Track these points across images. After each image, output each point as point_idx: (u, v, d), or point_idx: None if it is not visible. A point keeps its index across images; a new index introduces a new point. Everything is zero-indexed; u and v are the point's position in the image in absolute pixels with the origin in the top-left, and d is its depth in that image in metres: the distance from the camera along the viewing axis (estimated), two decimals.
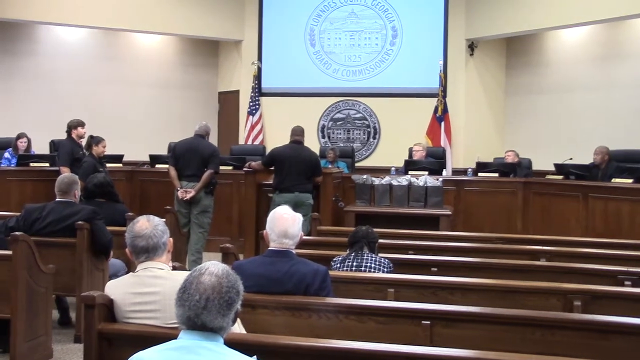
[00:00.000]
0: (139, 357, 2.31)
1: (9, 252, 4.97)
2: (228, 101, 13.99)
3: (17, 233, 5.03)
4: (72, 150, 8.73)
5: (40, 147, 10.88)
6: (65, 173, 6.93)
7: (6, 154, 10.28)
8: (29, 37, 12.58)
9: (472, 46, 12.71)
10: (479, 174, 9.90)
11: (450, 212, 8.20)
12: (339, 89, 13.14)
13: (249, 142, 12.81)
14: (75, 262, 5.63)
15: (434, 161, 10.36)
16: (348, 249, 4.80)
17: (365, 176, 8.71)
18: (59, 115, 10.33)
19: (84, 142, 8.86)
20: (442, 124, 12.22)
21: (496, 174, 9.78)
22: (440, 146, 11.89)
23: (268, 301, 3.60)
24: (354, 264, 4.64)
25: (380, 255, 4.78)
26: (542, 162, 10.78)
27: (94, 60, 13.09)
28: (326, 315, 3.56)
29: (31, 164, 9.69)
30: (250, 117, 13.02)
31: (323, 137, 13.16)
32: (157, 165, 10.30)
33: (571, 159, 9.66)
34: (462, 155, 12.44)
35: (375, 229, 4.91)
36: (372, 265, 4.62)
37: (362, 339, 3.07)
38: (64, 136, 9.02)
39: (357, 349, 2.91)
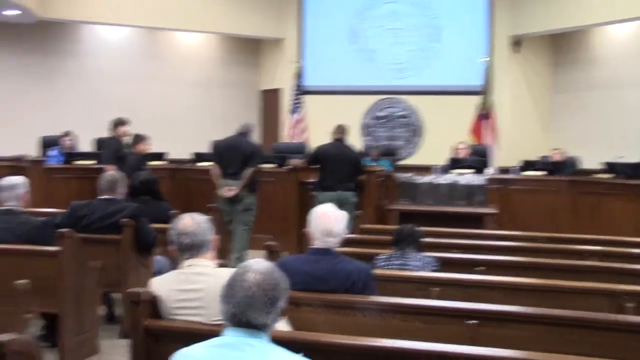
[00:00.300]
0: (184, 354, 2.34)
1: (57, 249, 5.06)
2: (270, 99, 14.05)
3: (63, 229, 5.11)
4: (117, 148, 8.83)
5: (85, 145, 11.03)
6: (110, 171, 7.01)
7: (52, 152, 10.41)
8: (73, 37, 12.79)
9: (516, 43, 12.57)
10: (525, 173, 9.79)
11: (494, 211, 8.13)
12: (381, 87, 13.10)
13: (291, 140, 12.84)
14: (120, 258, 5.71)
15: (478, 159, 10.28)
16: (392, 247, 4.79)
17: (408, 174, 8.69)
18: (102, 114, 10.45)
19: (128, 140, 8.97)
20: (487, 122, 12.09)
21: (542, 173, 9.66)
22: (484, 144, 11.78)
23: (312, 299, 3.59)
24: (399, 262, 4.63)
25: (425, 254, 4.76)
26: (590, 161, 10.62)
27: (137, 59, 13.26)
28: (370, 313, 3.55)
29: (77, 162, 9.84)
30: (292, 115, 13.05)
31: (366, 135, 13.14)
32: (200, 163, 10.38)
33: (622, 157, 9.48)
34: (506, 153, 12.29)
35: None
36: (417, 263, 4.60)
37: (406, 338, 3.05)
38: (108, 134, 9.15)
39: (401, 348, 2.89)
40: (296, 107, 13.04)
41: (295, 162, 8.47)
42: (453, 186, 8.31)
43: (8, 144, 11.43)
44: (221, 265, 3.42)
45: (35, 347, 2.78)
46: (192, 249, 3.29)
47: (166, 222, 6.02)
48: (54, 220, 5.80)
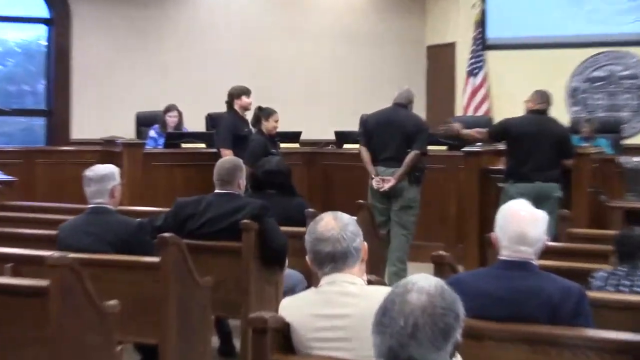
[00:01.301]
0: None
1: (157, 259, 5.20)
2: (440, 58, 14.00)
3: (165, 234, 5.25)
4: (235, 127, 9.05)
5: (194, 123, 11.33)
6: (227, 156, 7.18)
7: (152, 132, 10.61)
8: None
9: None
10: None
11: None
12: (597, 37, 12.76)
13: (470, 113, 12.78)
14: (240, 272, 5.82)
15: None
16: (616, 261, 4.69)
17: (637, 159, 8.48)
18: (217, 81, 10.73)
19: (249, 115, 9.17)
20: None
21: None
22: None
23: (499, 330, 3.58)
24: (625, 282, 4.52)
25: None
26: None
27: (263, 9, 13.46)
28: (585, 353, 3.46)
29: (182, 145, 10.15)
30: (471, 78, 12.98)
31: (575, 104, 12.86)
32: (345, 146, 10.48)
33: None
34: None
35: None
36: None
37: None
38: (223, 108, 9.37)
39: None
40: (476, 68, 12.92)
41: (470, 131, 8.41)
42: None
43: (97, 123, 11.93)
44: (373, 282, 3.41)
45: None
46: (335, 260, 3.31)
47: (300, 224, 6.12)
48: (155, 221, 5.99)
